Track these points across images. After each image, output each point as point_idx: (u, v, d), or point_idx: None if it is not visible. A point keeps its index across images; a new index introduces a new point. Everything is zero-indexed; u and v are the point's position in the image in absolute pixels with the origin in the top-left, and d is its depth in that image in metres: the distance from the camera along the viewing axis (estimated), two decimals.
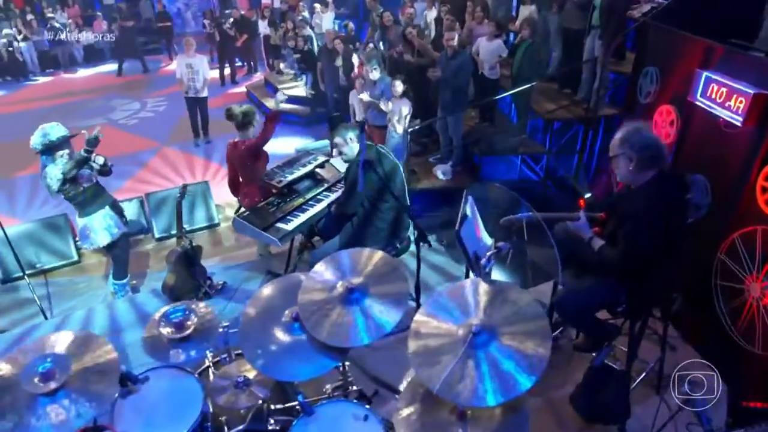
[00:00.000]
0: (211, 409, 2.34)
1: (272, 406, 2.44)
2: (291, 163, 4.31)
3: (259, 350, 2.29)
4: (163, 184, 7.44)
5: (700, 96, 3.48)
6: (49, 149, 3.97)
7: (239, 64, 12.88)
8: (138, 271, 5.14)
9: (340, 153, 3.75)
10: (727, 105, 3.24)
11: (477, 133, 6.82)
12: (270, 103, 10.46)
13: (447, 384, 1.92)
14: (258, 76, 12.64)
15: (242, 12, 12.75)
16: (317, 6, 11.14)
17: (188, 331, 2.31)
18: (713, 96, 3.36)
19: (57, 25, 13.01)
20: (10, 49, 12.83)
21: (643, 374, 3.07)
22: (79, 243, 5.09)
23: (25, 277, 4.88)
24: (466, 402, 1.87)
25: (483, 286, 2.17)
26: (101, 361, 2.03)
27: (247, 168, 4.25)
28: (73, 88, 12.59)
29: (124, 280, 4.51)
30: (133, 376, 2.24)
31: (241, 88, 11.94)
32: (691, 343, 3.42)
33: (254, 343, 2.31)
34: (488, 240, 3.08)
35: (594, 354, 2.92)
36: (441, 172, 6.67)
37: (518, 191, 3.18)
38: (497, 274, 2.77)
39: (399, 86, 5.92)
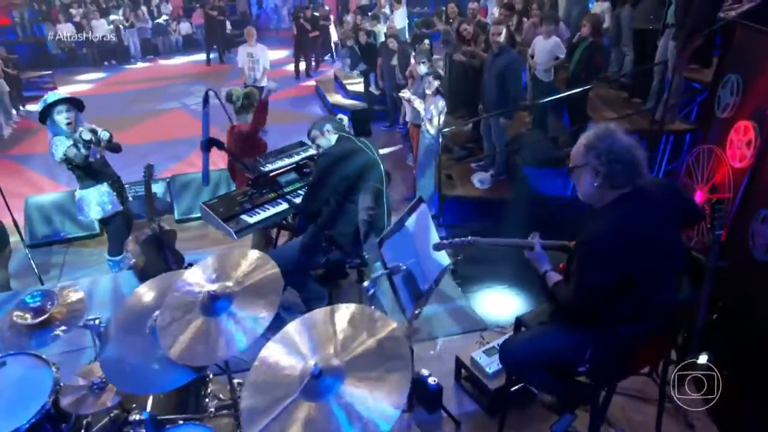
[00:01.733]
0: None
1: (136, 417, 2.15)
2: (282, 152, 4.04)
3: (116, 356, 2.01)
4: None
5: None
6: (47, 115, 4.04)
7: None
8: None
9: (317, 146, 3.42)
10: None
11: (522, 140, 6.13)
12: (333, 98, 10.40)
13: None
14: (331, 71, 12.70)
15: (322, 9, 12.91)
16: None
17: (43, 318, 2.09)
18: None
19: (161, 21, 13.98)
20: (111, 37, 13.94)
21: None
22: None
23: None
24: None
25: (345, 314, 1.72)
26: None
27: (243, 152, 4.07)
28: (165, 74, 13.44)
29: (118, 257, 4.49)
30: None
31: (312, 82, 12.04)
32: None
33: (114, 346, 2.04)
34: (440, 258, 2.58)
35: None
36: (478, 180, 6.08)
37: (567, 210, 2.63)
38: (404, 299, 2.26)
39: (433, 82, 5.46)
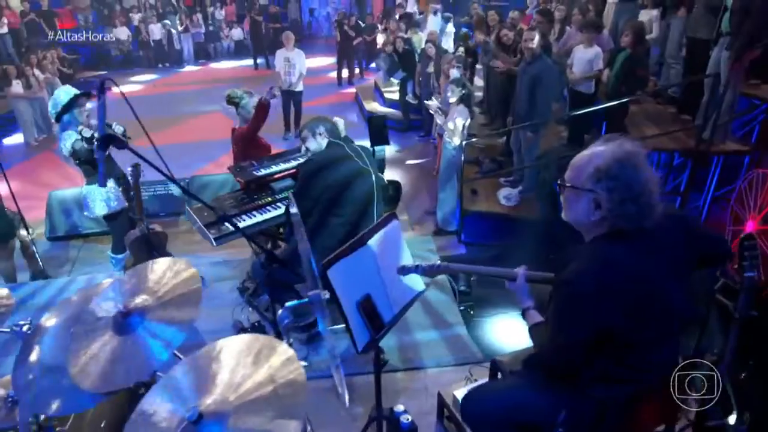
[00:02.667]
0: None
1: None
2: (279, 156, 3.86)
3: (29, 369, 1.84)
4: None
5: None
6: (64, 113, 4.06)
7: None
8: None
9: (306, 148, 3.20)
10: None
11: (552, 155, 5.68)
12: (370, 106, 10.24)
13: None
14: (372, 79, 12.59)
15: (369, 17, 12.84)
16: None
17: None
18: None
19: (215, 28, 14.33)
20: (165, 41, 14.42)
21: None
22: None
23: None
24: None
25: (248, 348, 1.46)
26: None
27: (242, 155, 3.95)
28: (213, 78, 13.74)
29: (121, 255, 4.45)
30: None
31: (353, 90, 11.95)
32: None
33: (32, 357, 1.87)
34: (412, 283, 2.27)
35: None
36: (504, 197, 5.68)
37: None
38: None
39: (456, 90, 5.15)
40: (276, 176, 3.63)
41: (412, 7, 13.98)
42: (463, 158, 5.33)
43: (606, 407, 1.60)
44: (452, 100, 5.24)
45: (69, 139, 3.98)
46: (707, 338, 2.40)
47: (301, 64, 8.50)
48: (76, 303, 1.99)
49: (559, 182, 1.70)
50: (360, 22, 12.59)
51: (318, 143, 3.09)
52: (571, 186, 1.63)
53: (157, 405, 1.40)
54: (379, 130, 5.06)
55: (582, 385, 1.61)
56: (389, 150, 8.45)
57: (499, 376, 2.13)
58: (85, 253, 5.34)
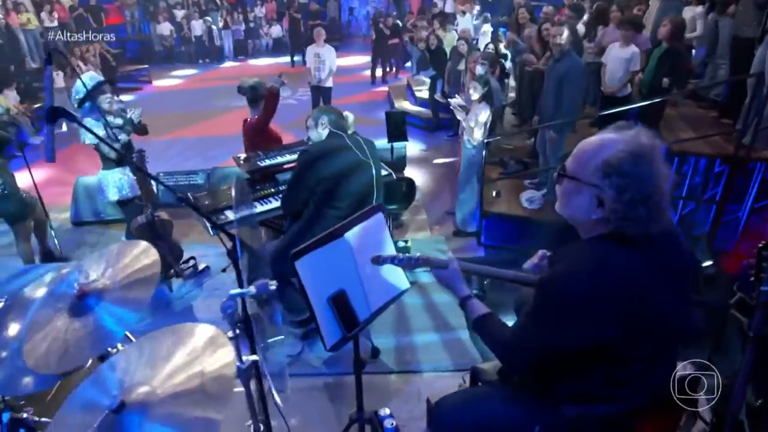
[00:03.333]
0: None
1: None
2: (286, 147, 3.80)
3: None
4: None
5: None
6: (86, 100, 4.14)
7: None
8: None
9: (308, 138, 3.13)
10: None
11: None
12: (401, 104, 10.13)
13: None
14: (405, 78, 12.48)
15: (408, 17, 12.74)
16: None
17: None
18: None
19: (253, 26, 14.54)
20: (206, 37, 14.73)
21: None
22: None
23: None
24: None
25: (196, 337, 1.37)
26: None
27: (255, 147, 3.91)
28: (250, 74, 13.92)
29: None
30: None
31: (386, 88, 11.86)
32: None
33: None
34: (395, 281, 2.15)
35: None
36: (526, 199, 5.46)
37: None
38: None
39: (478, 87, 4.97)
40: (281, 167, 3.56)
41: (449, 8, 13.81)
42: (484, 157, 5.14)
43: (583, 428, 1.44)
44: (474, 97, 5.06)
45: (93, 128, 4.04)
46: (719, 358, 2.17)
47: (331, 60, 8.45)
48: (48, 285, 1.97)
49: (558, 170, 1.50)
50: (398, 22, 12.49)
51: (319, 133, 3.00)
52: (573, 177, 1.42)
53: (87, 393, 1.33)
54: (396, 125, 4.95)
55: (555, 402, 1.45)
56: (415, 148, 8.33)
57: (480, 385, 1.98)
58: (103, 238, 5.44)
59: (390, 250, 2.16)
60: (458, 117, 5.20)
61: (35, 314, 1.71)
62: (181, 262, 3.96)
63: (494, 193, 5.59)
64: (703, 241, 4.67)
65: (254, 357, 1.56)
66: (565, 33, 4.75)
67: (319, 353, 3.22)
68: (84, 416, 1.27)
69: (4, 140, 3.99)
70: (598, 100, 5.86)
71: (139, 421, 1.19)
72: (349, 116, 3.49)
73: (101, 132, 3.77)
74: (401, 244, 4.12)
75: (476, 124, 5.02)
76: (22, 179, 4.67)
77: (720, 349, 2.17)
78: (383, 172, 3.76)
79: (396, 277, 2.16)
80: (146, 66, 13.26)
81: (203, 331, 1.42)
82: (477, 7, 11.91)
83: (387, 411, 2.60)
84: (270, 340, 3.25)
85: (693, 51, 6.08)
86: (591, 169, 1.37)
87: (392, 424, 2.52)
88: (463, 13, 9.83)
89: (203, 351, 1.36)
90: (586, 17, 6.70)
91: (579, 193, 1.41)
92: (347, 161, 2.86)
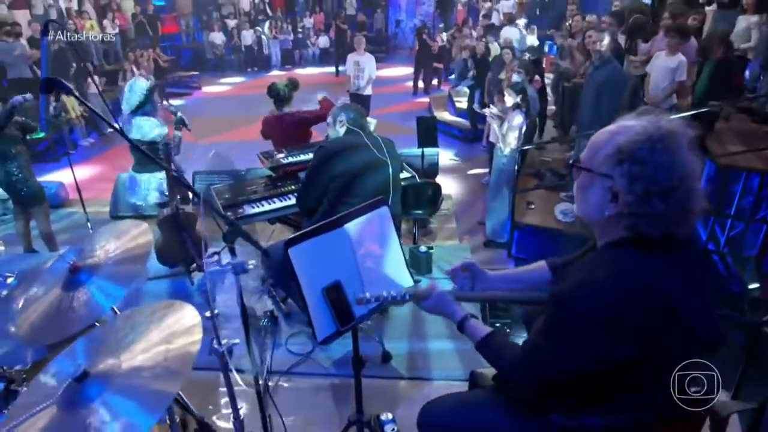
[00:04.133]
0: None
1: None
2: (311, 146, 3.81)
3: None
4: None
5: None
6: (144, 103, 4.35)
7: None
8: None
9: (327, 135, 3.12)
10: None
11: None
12: (440, 115, 10.06)
13: None
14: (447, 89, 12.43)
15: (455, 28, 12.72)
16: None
17: None
18: None
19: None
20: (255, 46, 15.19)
21: None
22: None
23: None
24: None
25: (177, 314, 1.34)
26: None
27: (291, 140, 4.00)
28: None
29: None
30: None
31: (426, 98, 11.83)
32: None
33: None
34: (398, 278, 2.07)
35: None
36: (560, 212, 5.25)
37: None
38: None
39: (513, 95, 4.86)
40: (304, 165, 3.56)
41: (496, 20, 13.70)
42: (516, 167, 4.99)
43: None
44: (509, 103, 4.95)
45: (156, 128, 4.23)
46: (747, 381, 1.97)
47: (370, 69, 8.51)
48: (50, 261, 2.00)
49: (572, 162, 1.36)
50: (444, 34, 12.49)
51: (336, 131, 2.99)
52: (585, 168, 1.27)
53: (60, 363, 1.32)
54: (428, 131, 4.89)
55: (538, 407, 1.32)
56: (450, 157, 8.24)
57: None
58: None
59: (394, 245, 2.09)
60: (493, 125, 5.08)
61: (31, 288, 1.73)
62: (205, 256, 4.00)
63: (528, 205, 5.42)
64: (752, 263, 4.34)
65: (235, 341, 1.52)
66: (606, 39, 4.60)
67: (329, 354, 3.16)
68: (53, 385, 1.26)
69: (28, 128, 4.19)
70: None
71: (99, 390, 1.17)
72: (372, 122, 3.46)
73: (156, 130, 3.96)
74: (423, 249, 4.02)
75: (509, 130, 4.89)
76: (64, 176, 4.90)
77: (752, 367, 1.97)
78: (405, 174, 3.71)
79: (399, 273, 2.08)
80: (197, 73, 13.76)
81: (189, 312, 1.40)
82: (524, 20, 11.77)
83: (389, 416, 2.52)
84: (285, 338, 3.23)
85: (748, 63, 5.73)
86: (602, 156, 1.23)
87: (393, 429, 2.43)
88: (512, 22, 9.68)
89: (181, 330, 1.32)
90: None
91: (592, 185, 1.27)
92: (362, 159, 2.82)
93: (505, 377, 1.40)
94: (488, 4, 14.04)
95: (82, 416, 1.13)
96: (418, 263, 3.98)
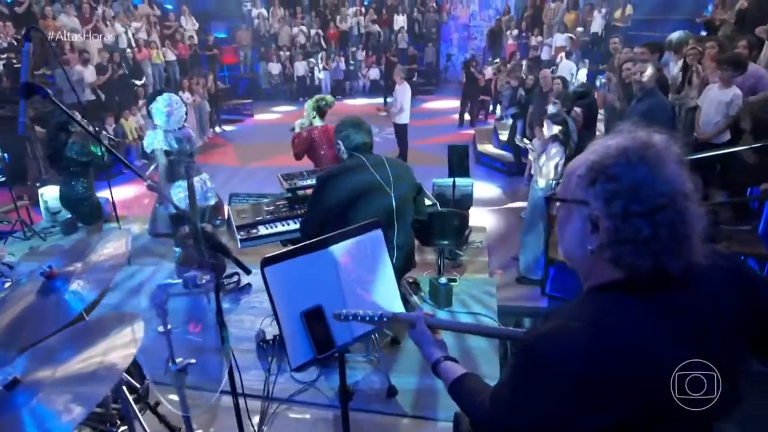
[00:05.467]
0: None
1: None
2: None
3: None
4: None
5: None
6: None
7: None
8: None
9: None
10: None
11: None
12: (484, 147, 9.92)
13: None
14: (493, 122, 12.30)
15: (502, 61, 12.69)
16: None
17: None
18: None
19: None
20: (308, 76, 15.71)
21: None
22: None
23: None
24: None
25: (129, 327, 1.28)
26: None
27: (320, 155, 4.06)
28: (343, 112, 14.49)
29: (179, 249, 4.68)
30: None
31: (471, 131, 11.73)
32: None
33: None
34: (387, 303, 1.94)
35: None
36: None
37: None
38: None
39: (552, 127, 4.68)
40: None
41: (545, 55, 13.56)
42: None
43: None
44: (547, 135, 4.77)
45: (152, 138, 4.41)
46: None
47: (402, 98, 8.57)
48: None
49: (546, 196, 1.25)
50: (491, 68, 12.48)
51: (340, 150, 2.94)
52: (560, 199, 1.13)
53: (5, 370, 1.28)
54: (459, 160, 4.77)
55: None
56: (491, 190, 8.05)
57: None
58: (171, 250, 5.73)
59: (386, 271, 1.97)
60: (530, 157, 4.91)
61: (11, 293, 1.73)
62: (223, 276, 4.02)
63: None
64: None
65: (191, 360, 1.44)
66: (649, 70, 4.36)
67: (333, 383, 3.03)
68: None
69: (95, 160, 4.49)
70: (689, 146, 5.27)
71: (26, 399, 1.11)
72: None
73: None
74: (443, 280, 3.86)
75: (546, 161, 4.70)
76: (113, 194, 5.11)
77: None
78: (427, 202, 3.59)
79: (390, 301, 1.95)
80: (250, 101, 14.32)
81: (137, 327, 1.34)
82: (578, 53, 11.62)
83: None
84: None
85: None
86: (575, 181, 1.07)
87: None
88: (568, 55, 9.55)
89: (128, 341, 1.26)
90: (668, 57, 6.16)
91: (570, 218, 1.10)
92: (365, 182, 2.74)
93: (473, 423, 1.24)
94: (539, 38, 13.93)
95: (8, 422, 1.08)
96: (437, 295, 3.81)
